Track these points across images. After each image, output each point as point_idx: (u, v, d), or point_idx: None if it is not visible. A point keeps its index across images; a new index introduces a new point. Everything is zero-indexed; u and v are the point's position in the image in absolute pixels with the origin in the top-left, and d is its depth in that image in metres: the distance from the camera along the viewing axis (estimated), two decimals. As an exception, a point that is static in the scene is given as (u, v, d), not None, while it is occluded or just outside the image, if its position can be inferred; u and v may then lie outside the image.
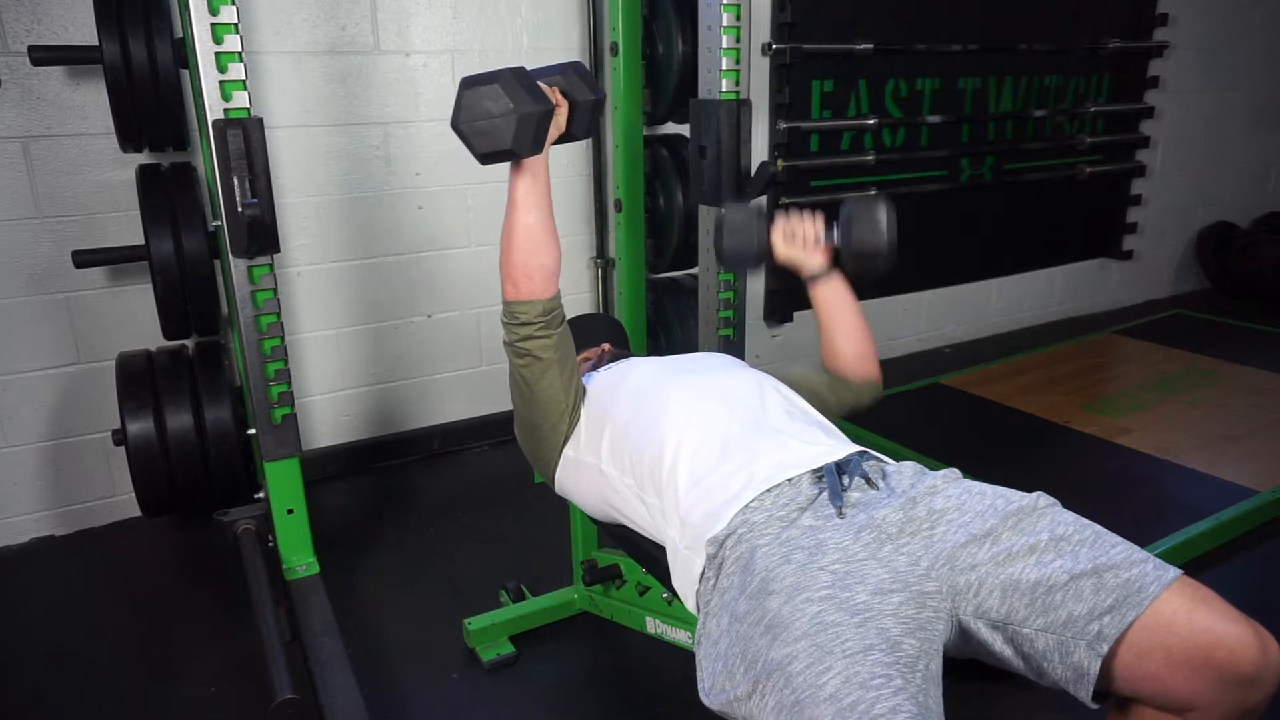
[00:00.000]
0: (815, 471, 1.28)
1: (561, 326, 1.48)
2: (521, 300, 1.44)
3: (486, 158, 1.37)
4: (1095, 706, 1.09)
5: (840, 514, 1.21)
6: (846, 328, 1.69)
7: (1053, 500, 1.20)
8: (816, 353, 1.76)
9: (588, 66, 3.11)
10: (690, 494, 1.31)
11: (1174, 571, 1.08)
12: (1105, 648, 1.05)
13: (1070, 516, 1.18)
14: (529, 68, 1.42)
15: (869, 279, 1.64)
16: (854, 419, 1.74)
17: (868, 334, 1.71)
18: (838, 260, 1.70)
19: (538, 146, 1.39)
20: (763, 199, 1.72)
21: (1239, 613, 1.05)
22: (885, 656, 1.00)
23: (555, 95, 1.43)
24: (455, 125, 1.35)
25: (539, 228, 1.43)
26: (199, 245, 2.33)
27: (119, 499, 2.74)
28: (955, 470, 1.29)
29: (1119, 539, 1.14)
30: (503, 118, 1.32)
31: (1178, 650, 1.04)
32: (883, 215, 1.61)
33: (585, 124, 1.51)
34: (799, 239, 1.69)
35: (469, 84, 1.34)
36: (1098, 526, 1.16)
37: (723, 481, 1.29)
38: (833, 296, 1.69)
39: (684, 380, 1.50)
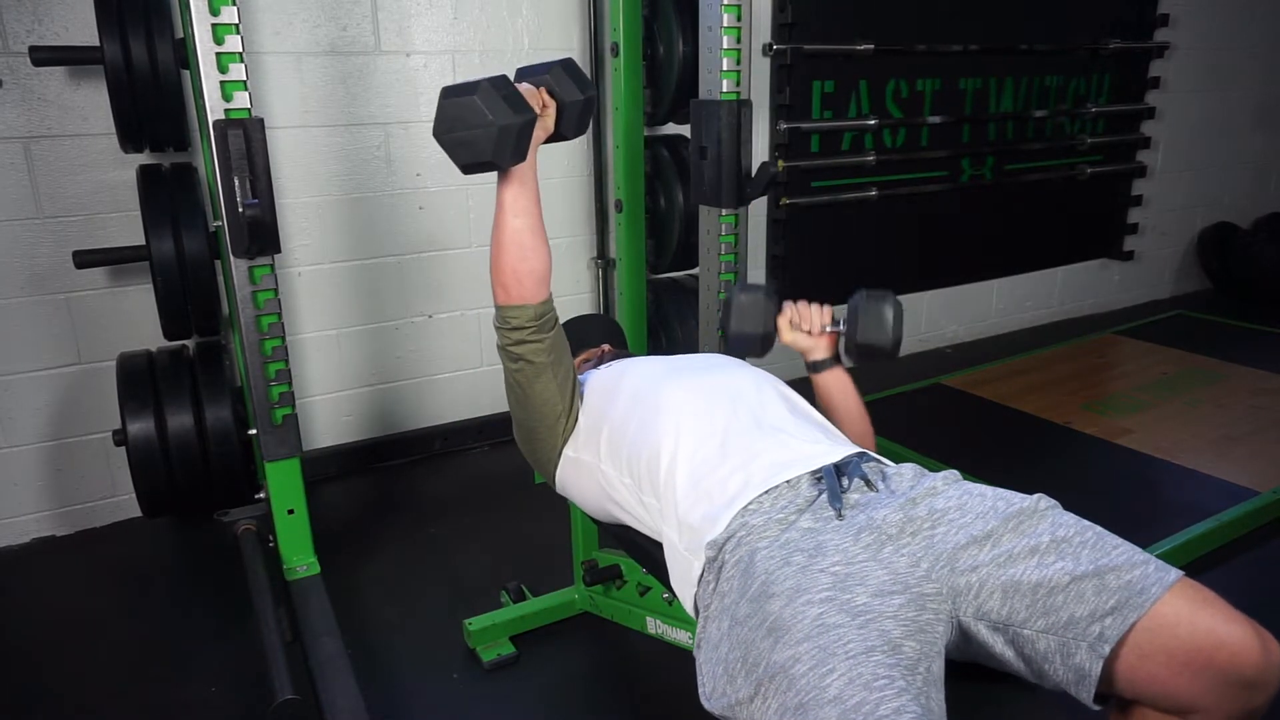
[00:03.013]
0: (814, 473, 1.28)
1: (554, 330, 1.47)
2: (512, 305, 1.43)
3: (468, 168, 1.33)
4: (1097, 708, 1.09)
5: (839, 515, 1.20)
6: (848, 415, 1.70)
7: (1054, 502, 1.20)
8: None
9: (587, 66, 3.12)
10: (688, 495, 1.31)
11: (1175, 573, 1.08)
12: (1107, 649, 1.05)
13: (1071, 518, 1.17)
14: (521, 65, 1.39)
15: (871, 367, 1.64)
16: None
17: (867, 418, 1.72)
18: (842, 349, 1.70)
19: (520, 156, 1.34)
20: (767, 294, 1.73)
21: (1241, 614, 1.05)
22: (887, 658, 1.00)
23: (541, 97, 1.39)
24: (436, 136, 1.31)
25: (527, 232, 1.40)
26: (200, 245, 2.33)
27: (119, 499, 2.74)
28: (955, 472, 1.28)
29: (1120, 540, 1.14)
30: (482, 130, 1.28)
31: (1180, 652, 1.04)
32: (889, 311, 1.61)
33: (575, 124, 1.45)
34: (804, 326, 1.71)
35: (448, 94, 1.30)
36: (1098, 528, 1.16)
37: (720, 483, 1.29)
38: (835, 385, 1.71)
39: (682, 379, 1.49)
